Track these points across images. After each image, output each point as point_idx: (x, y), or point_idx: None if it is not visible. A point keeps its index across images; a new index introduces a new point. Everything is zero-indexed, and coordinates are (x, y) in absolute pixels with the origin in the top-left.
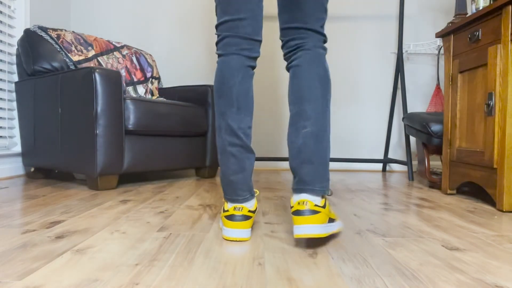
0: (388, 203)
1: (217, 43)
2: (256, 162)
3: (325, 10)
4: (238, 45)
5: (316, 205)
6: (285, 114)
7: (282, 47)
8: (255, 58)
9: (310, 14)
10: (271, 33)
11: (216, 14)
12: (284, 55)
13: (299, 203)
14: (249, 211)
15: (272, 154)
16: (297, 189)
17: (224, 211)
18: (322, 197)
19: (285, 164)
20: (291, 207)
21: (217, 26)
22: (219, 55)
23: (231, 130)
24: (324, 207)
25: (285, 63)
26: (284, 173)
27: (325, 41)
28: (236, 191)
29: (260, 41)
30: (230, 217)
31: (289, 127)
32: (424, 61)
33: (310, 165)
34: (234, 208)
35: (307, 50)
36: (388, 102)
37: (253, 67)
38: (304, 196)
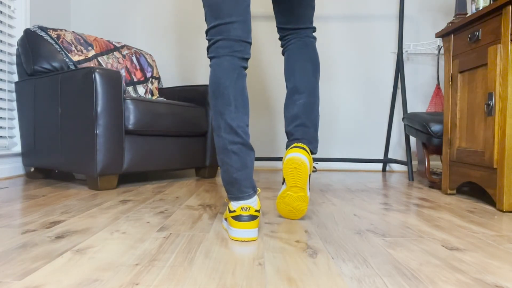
0: (388, 203)
1: (208, 47)
2: (255, 162)
3: (313, 7)
4: (230, 47)
5: (256, 211)
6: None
7: (280, 38)
8: (247, 60)
9: (302, 16)
10: (265, 34)
11: (206, 20)
12: (281, 45)
13: (241, 209)
14: (256, 210)
15: (272, 154)
16: (294, 139)
17: (230, 211)
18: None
19: None
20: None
21: (207, 31)
22: (212, 58)
23: (230, 128)
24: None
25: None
26: None
27: (314, 31)
28: (240, 188)
29: (250, 43)
30: (237, 218)
31: (286, 100)
32: (424, 61)
33: (304, 128)
34: (241, 209)
35: (300, 38)
36: (388, 102)
37: (245, 68)
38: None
